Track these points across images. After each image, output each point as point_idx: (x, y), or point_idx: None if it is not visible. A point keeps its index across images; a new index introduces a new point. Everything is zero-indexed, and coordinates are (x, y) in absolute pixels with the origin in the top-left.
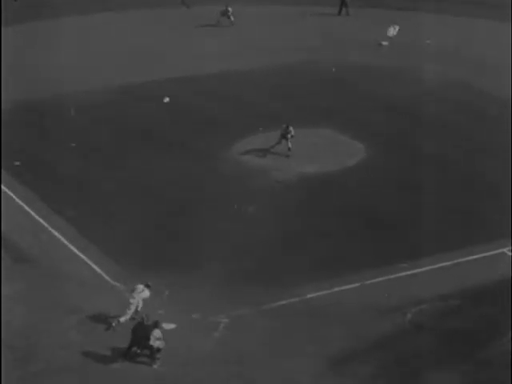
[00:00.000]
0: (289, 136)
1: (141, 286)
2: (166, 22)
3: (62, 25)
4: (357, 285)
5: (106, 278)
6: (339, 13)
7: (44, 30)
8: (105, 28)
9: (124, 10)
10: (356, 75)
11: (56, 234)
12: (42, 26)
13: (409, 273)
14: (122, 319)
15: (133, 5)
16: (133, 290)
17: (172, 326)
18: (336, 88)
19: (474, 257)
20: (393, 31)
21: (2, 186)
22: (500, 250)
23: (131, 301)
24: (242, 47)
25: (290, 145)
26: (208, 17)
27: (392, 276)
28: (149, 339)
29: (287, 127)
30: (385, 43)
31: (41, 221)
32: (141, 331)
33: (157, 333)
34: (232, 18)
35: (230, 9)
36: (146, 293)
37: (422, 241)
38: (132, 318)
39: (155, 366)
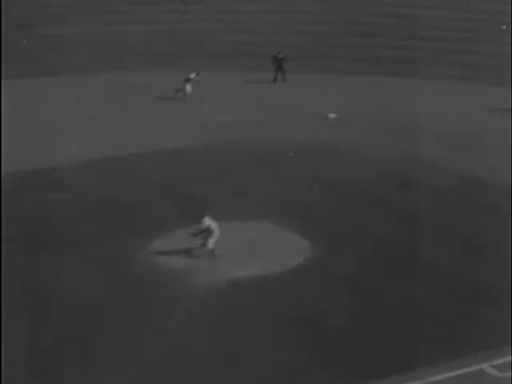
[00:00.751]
0: (208, 233)
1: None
2: (119, 90)
3: None
4: None
5: None
6: (275, 80)
7: None
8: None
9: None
10: (301, 155)
11: None
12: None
13: None
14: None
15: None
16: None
17: None
18: (277, 171)
19: (455, 372)
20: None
21: None
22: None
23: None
24: (171, 122)
25: (209, 246)
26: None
27: None
28: None
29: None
30: (332, 115)
31: None
32: None
33: None
34: (188, 89)
35: (197, 77)
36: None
37: (386, 357)
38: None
39: None
